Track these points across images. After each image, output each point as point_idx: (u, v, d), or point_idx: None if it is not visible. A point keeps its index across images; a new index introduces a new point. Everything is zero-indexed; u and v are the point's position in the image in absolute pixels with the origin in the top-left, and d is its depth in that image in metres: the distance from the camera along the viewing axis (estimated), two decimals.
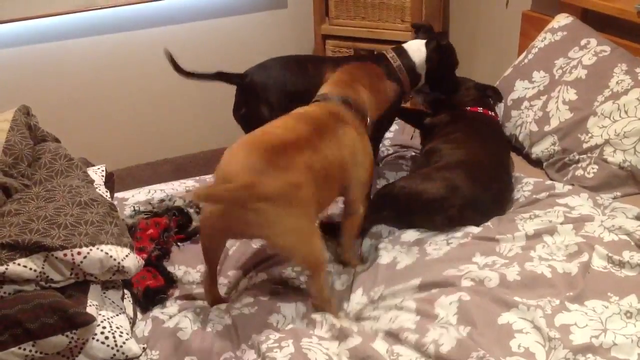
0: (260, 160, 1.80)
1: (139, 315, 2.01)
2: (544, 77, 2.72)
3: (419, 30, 2.73)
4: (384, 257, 2.17)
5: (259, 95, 2.45)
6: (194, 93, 3.79)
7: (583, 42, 2.68)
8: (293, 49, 3.88)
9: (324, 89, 2.20)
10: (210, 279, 2.05)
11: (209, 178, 2.71)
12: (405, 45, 2.63)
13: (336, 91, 2.15)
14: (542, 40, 2.83)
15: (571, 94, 2.58)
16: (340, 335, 1.84)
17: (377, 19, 3.52)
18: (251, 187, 1.74)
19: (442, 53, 2.61)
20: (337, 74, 2.24)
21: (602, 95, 2.49)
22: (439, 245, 2.17)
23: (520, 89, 2.77)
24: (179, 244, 2.31)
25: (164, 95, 3.76)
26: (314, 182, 1.89)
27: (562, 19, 2.83)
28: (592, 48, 2.65)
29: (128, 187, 2.80)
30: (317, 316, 1.93)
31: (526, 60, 2.83)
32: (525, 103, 2.72)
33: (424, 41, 2.61)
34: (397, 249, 2.20)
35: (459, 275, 1.96)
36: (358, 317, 2.00)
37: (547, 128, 2.59)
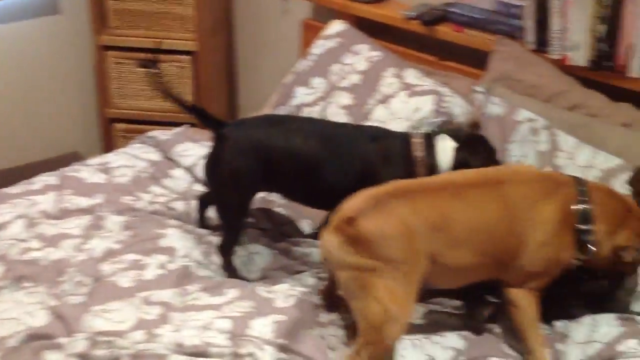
0: (367, 200, 1.67)
1: None
2: (322, 82, 2.76)
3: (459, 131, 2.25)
4: None
5: (228, 155, 2.09)
6: None
7: (356, 48, 2.77)
8: (71, 60, 3.68)
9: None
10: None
11: None
12: (436, 139, 2.14)
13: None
14: (318, 47, 2.88)
15: (347, 99, 2.64)
16: None
17: (160, 28, 3.41)
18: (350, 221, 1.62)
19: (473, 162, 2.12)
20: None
21: (373, 99, 2.58)
22: None
23: (300, 95, 2.80)
24: None
25: None
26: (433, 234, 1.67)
27: (336, 26, 2.90)
28: (365, 53, 2.74)
29: None
30: None
31: (304, 67, 2.87)
32: (306, 109, 2.75)
33: (454, 143, 2.13)
34: None
35: None
36: None
37: None
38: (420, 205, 1.67)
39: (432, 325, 1.89)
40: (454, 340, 1.85)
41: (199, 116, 2.12)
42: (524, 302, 1.78)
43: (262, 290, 1.94)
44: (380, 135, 2.16)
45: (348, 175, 2.06)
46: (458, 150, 2.10)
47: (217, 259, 2.18)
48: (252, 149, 2.07)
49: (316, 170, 2.08)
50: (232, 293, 1.93)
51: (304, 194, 2.17)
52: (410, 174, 2.07)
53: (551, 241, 1.75)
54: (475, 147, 2.14)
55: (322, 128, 2.18)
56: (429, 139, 2.13)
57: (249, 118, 2.22)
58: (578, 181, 1.81)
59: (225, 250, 2.14)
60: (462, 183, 1.76)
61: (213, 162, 2.13)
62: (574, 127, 2.12)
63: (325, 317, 1.89)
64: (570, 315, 1.90)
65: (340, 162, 2.08)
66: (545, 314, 1.84)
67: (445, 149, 2.11)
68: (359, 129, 2.24)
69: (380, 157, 2.09)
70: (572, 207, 1.76)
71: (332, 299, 1.90)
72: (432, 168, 2.09)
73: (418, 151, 2.09)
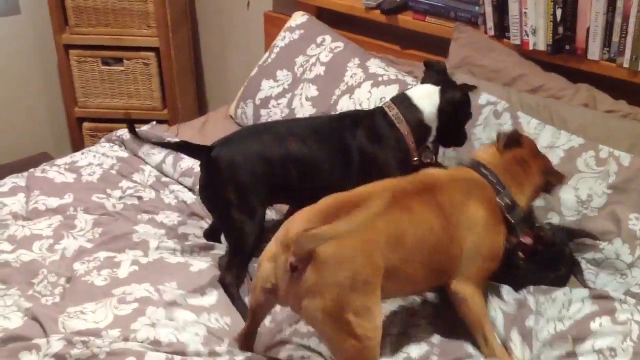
0: (317, 216, 1.58)
1: None
2: (287, 75, 2.78)
3: (430, 69, 2.18)
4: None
5: (225, 174, 2.01)
6: None
7: (319, 39, 2.79)
8: (34, 60, 3.65)
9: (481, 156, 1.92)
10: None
11: None
12: (409, 92, 2.12)
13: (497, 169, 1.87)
14: (282, 39, 2.89)
15: (312, 90, 2.66)
16: None
17: (121, 25, 3.38)
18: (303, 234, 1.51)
19: (460, 105, 2.09)
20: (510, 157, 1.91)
21: (339, 89, 2.60)
22: None
23: (267, 88, 2.81)
24: None
25: None
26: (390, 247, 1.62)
27: (299, 18, 2.92)
28: (328, 45, 2.76)
29: None
30: None
31: (269, 60, 2.88)
32: (272, 101, 2.77)
33: (434, 87, 2.09)
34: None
35: None
36: None
37: None
38: (377, 220, 1.57)
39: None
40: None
41: (186, 150, 2.10)
42: (474, 297, 1.79)
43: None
44: (360, 118, 2.12)
45: (351, 166, 2.04)
46: (442, 91, 2.06)
47: (191, 244, 2.17)
48: (251, 162, 1.99)
49: (318, 169, 2.03)
50: (209, 298, 1.96)
51: (310, 196, 1.87)
52: (399, 138, 2.05)
53: (484, 238, 1.79)
54: (460, 87, 2.11)
55: (308, 126, 2.12)
56: (403, 98, 2.10)
57: (232, 134, 2.12)
58: (483, 173, 1.85)
59: (233, 281, 2.00)
60: (401, 193, 1.72)
61: (212, 187, 2.04)
62: (535, 108, 2.17)
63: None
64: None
65: (339, 156, 2.04)
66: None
67: (427, 94, 2.07)
68: (338, 118, 2.19)
69: (370, 139, 2.06)
70: (496, 200, 1.82)
71: (250, 346, 1.82)
72: (418, 120, 2.06)
73: (398, 119, 2.06)
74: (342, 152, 2.05)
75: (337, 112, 2.47)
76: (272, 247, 1.63)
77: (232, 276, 2.00)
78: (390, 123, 2.06)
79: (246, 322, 1.82)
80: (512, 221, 1.82)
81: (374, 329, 1.58)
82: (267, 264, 1.62)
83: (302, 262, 1.53)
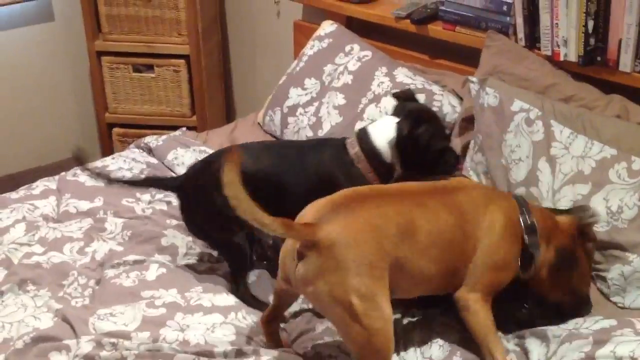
0: (326, 206, 1.61)
1: None
2: (315, 83, 2.79)
3: (399, 99, 2.14)
4: None
5: (195, 199, 2.06)
6: None
7: (347, 48, 2.80)
8: (66, 66, 3.71)
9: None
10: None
11: None
12: (369, 127, 2.06)
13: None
14: (311, 47, 2.91)
15: (340, 99, 2.67)
16: None
17: (153, 33, 3.44)
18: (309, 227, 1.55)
19: (417, 137, 1.98)
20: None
21: (366, 98, 2.61)
22: None
23: (295, 96, 2.83)
24: None
25: None
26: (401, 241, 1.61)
27: (327, 26, 2.93)
28: (356, 53, 2.77)
29: None
30: None
31: (298, 68, 2.90)
32: (300, 109, 2.78)
33: (393, 119, 2.03)
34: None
35: None
36: None
37: (320, 132, 2.66)
38: (388, 209, 1.62)
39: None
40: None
41: (154, 184, 2.20)
42: (477, 305, 1.74)
43: None
44: (321, 145, 2.11)
45: (312, 191, 1.90)
46: (399, 123, 1.99)
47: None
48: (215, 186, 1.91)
49: (282, 187, 2.01)
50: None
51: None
52: (356, 172, 2.00)
53: (499, 245, 1.76)
54: (420, 116, 2.02)
55: (276, 149, 2.14)
56: (364, 132, 2.06)
57: (195, 164, 2.16)
58: (515, 194, 1.88)
59: (242, 288, 2.04)
60: (418, 192, 1.75)
61: (188, 214, 2.10)
62: (568, 117, 2.14)
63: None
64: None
65: (300, 178, 2.03)
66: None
67: (383, 129, 2.01)
68: (305, 143, 2.23)
69: (330, 166, 2.05)
70: (518, 216, 1.80)
71: (275, 328, 1.84)
72: (376, 156, 2.00)
73: (353, 148, 2.02)
74: (304, 174, 2.04)
75: (311, 138, 2.57)
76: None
77: (237, 285, 2.04)
78: (351, 160, 2.02)
79: (270, 304, 1.84)
80: (527, 242, 1.78)
81: (381, 319, 1.56)
82: (282, 254, 1.66)
83: (308, 248, 1.54)
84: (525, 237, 1.79)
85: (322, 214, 1.58)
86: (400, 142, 1.99)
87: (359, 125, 2.49)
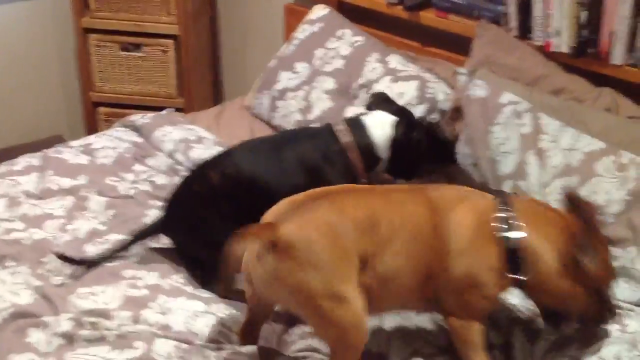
0: (287, 205, 1.57)
1: None
2: (306, 67, 2.77)
3: (374, 103, 2.20)
4: None
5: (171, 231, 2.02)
6: None
7: (339, 33, 2.77)
8: (52, 43, 3.65)
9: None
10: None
11: None
12: (364, 118, 2.11)
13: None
14: (302, 31, 2.88)
15: (330, 84, 2.65)
16: None
17: (141, 12, 3.38)
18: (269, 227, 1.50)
19: (416, 139, 2.08)
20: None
21: (357, 83, 2.59)
22: None
23: (285, 79, 2.80)
24: None
25: None
26: (363, 233, 1.55)
27: (319, 10, 2.90)
28: (348, 38, 2.74)
29: None
30: None
31: (288, 52, 2.87)
32: (290, 93, 2.76)
33: (391, 117, 2.09)
34: None
35: None
36: None
37: (310, 117, 2.64)
38: (344, 204, 1.57)
39: None
40: None
41: (143, 237, 2.04)
42: (464, 329, 1.64)
43: None
44: (306, 135, 2.11)
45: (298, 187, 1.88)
46: (398, 125, 2.06)
47: None
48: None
49: (268, 188, 1.95)
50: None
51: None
52: (347, 162, 2.02)
53: (469, 249, 1.60)
54: (409, 122, 2.11)
55: (257, 148, 2.10)
56: (356, 122, 2.08)
57: (171, 199, 2.04)
58: (498, 192, 1.75)
59: (220, 286, 1.94)
60: (386, 188, 1.72)
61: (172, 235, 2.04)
62: (557, 110, 2.14)
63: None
64: None
65: (286, 174, 2.00)
66: None
67: (381, 124, 2.07)
68: (288, 137, 2.17)
69: (320, 160, 2.03)
70: (491, 215, 1.62)
71: (253, 334, 1.75)
72: (368, 148, 2.04)
73: (345, 137, 2.04)
74: (290, 170, 2.01)
75: (294, 129, 2.50)
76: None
77: (216, 284, 1.93)
78: (341, 149, 2.04)
79: (245, 317, 1.77)
80: (506, 243, 1.60)
81: (351, 313, 1.51)
82: (245, 255, 1.59)
83: (267, 250, 1.50)
84: (503, 235, 1.60)
85: (281, 213, 1.55)
86: (397, 140, 2.05)
87: (349, 112, 2.48)
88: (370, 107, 2.20)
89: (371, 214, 1.58)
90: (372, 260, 1.56)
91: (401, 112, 2.15)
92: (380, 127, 2.07)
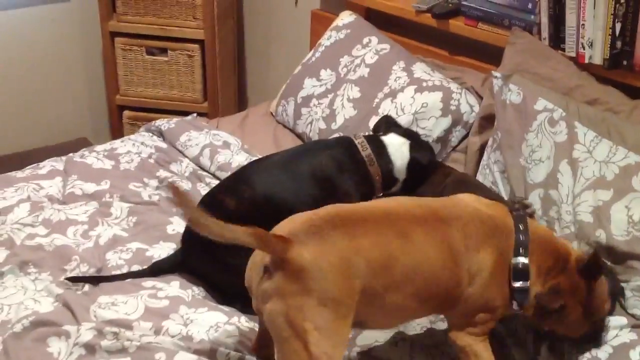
0: (303, 224, 1.50)
1: None
2: (331, 75, 2.74)
3: (382, 126, 2.21)
4: None
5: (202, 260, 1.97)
6: None
7: (365, 40, 2.74)
8: (79, 46, 3.67)
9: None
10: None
11: None
12: (384, 139, 2.12)
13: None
14: (328, 38, 2.85)
15: (355, 92, 2.62)
16: None
17: (168, 16, 3.39)
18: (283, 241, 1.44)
19: (429, 161, 2.14)
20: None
21: (382, 92, 2.55)
22: None
23: (309, 86, 2.78)
24: None
25: None
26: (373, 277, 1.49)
27: (346, 17, 2.88)
28: (374, 46, 2.71)
29: None
30: None
31: (314, 59, 2.85)
32: (314, 100, 2.73)
33: (406, 140, 2.12)
34: None
35: None
36: None
37: (333, 125, 2.61)
38: (363, 241, 1.50)
39: None
40: None
41: (160, 271, 1.98)
42: (478, 347, 1.64)
43: None
44: (323, 146, 2.10)
45: (315, 198, 1.93)
46: (412, 148, 2.10)
47: None
48: None
49: (285, 204, 1.92)
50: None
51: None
52: (367, 174, 2.03)
53: (487, 289, 1.62)
54: (421, 144, 2.16)
55: (270, 166, 2.06)
56: (376, 140, 2.10)
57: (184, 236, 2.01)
58: (518, 226, 1.68)
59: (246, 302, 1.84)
60: (405, 218, 1.59)
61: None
62: (593, 120, 2.07)
63: None
64: None
65: (302, 188, 1.98)
66: None
67: (399, 147, 2.10)
68: (297, 150, 2.14)
69: (333, 167, 2.01)
70: (510, 260, 1.64)
71: (269, 347, 1.61)
72: (388, 168, 2.07)
73: (365, 150, 2.06)
74: (306, 183, 1.98)
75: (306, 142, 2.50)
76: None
77: (240, 302, 1.91)
78: (361, 160, 2.05)
79: (258, 332, 1.74)
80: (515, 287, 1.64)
81: (328, 356, 1.44)
82: (249, 264, 1.56)
83: (276, 266, 1.45)
84: (513, 283, 1.63)
85: (297, 232, 1.47)
86: (413, 164, 2.10)
87: (373, 120, 2.45)
88: (377, 130, 2.21)
89: (387, 256, 1.52)
90: (381, 297, 1.52)
91: (410, 135, 2.17)
92: (400, 150, 2.10)
